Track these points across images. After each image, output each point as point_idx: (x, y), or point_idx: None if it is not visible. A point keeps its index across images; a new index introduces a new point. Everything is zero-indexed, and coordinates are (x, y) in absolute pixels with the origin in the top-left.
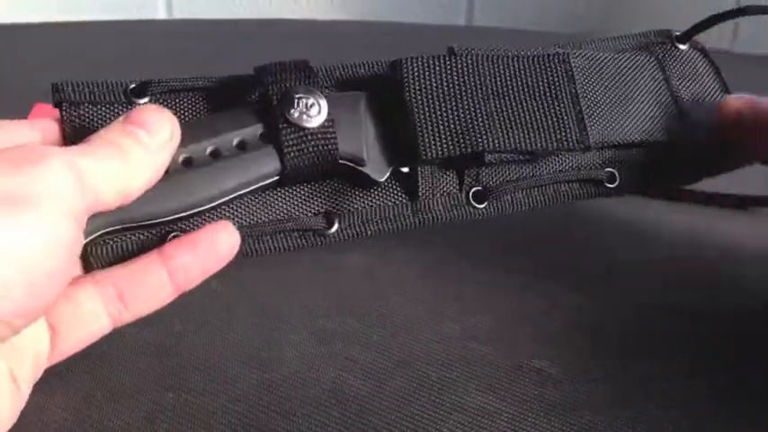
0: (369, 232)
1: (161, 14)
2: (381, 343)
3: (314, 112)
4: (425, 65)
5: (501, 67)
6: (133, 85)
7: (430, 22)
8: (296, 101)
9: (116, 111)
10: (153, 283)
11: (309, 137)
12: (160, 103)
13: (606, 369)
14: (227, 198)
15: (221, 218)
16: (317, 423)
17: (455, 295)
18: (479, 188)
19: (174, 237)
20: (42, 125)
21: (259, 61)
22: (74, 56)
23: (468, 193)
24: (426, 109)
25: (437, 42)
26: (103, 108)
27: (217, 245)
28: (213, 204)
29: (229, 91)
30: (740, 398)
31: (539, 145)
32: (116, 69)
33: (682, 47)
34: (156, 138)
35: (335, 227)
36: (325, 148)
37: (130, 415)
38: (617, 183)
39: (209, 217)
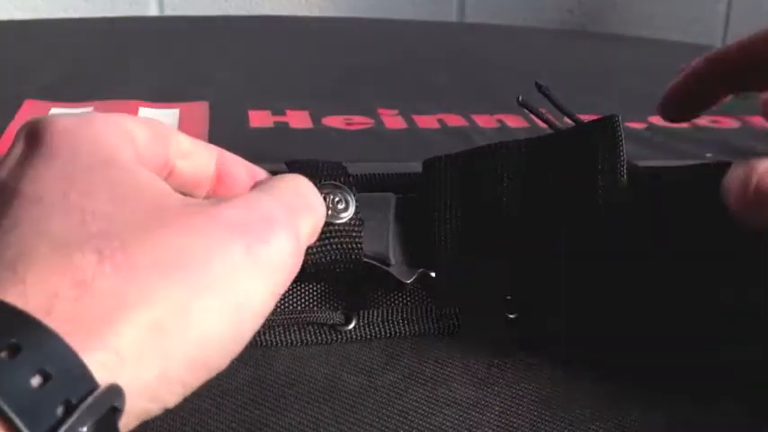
0: (388, 333)
1: (153, 11)
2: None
3: (341, 208)
4: (449, 166)
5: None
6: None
7: (421, 18)
8: (324, 197)
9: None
10: None
11: (334, 232)
12: None
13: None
14: None
15: None
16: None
17: None
18: (508, 297)
19: None
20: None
21: (249, 58)
22: (66, 52)
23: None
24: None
25: (429, 39)
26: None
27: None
28: None
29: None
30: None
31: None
32: (108, 66)
33: None
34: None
35: (353, 324)
36: (350, 245)
37: None
38: None
39: None
